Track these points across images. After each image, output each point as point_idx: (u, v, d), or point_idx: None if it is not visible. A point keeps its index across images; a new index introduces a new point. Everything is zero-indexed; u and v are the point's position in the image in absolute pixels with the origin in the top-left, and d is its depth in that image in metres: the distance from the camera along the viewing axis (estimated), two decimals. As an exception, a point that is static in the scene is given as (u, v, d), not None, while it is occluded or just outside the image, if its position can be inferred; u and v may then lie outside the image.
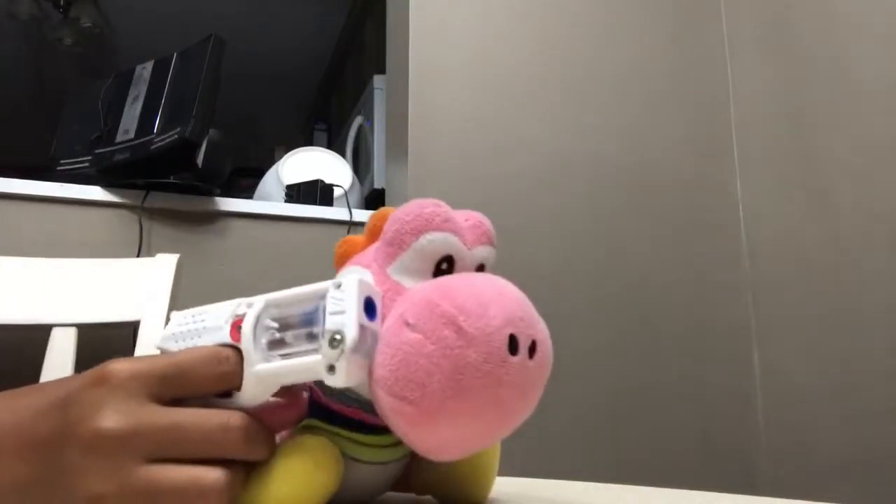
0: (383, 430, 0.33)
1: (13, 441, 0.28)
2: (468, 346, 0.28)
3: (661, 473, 1.48)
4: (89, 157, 1.35)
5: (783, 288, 1.55)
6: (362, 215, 1.46)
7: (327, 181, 1.56)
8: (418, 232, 0.32)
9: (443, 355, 0.28)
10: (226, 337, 0.31)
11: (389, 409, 0.28)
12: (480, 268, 0.35)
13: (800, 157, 1.52)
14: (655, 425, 1.51)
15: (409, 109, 1.47)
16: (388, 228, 0.33)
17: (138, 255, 1.26)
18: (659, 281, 1.58)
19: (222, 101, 1.39)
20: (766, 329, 1.59)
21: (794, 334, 1.51)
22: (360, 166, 2.03)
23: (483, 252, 0.34)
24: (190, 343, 0.32)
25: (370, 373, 0.29)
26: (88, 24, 2.84)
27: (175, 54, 1.40)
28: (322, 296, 0.29)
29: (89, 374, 0.29)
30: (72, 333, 0.78)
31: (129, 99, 1.39)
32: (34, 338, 0.80)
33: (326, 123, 3.23)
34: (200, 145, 1.33)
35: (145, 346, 0.79)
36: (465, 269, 0.33)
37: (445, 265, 0.33)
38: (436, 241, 0.32)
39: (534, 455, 1.37)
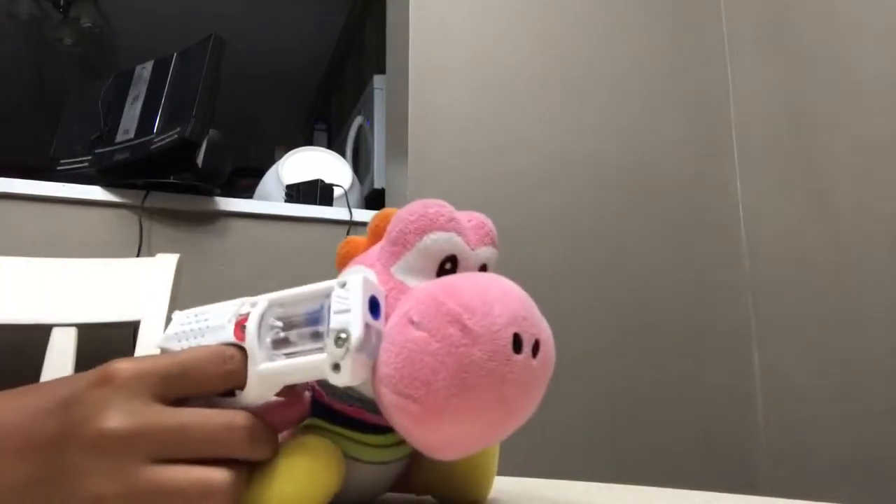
0: (385, 429, 0.33)
1: (15, 441, 0.28)
2: (473, 344, 0.28)
3: (661, 473, 1.48)
4: (89, 157, 1.35)
5: (783, 288, 1.55)
6: (362, 215, 1.46)
7: (327, 181, 1.56)
8: (422, 231, 0.32)
9: (448, 353, 0.28)
10: (229, 336, 0.30)
11: (394, 406, 0.28)
12: (483, 268, 0.35)
13: (800, 157, 1.52)
14: (656, 425, 1.51)
15: (409, 109, 1.48)
16: (393, 228, 0.33)
17: (138, 255, 1.26)
18: (659, 281, 1.59)
19: (222, 101, 1.39)
20: (766, 329, 1.59)
21: (794, 334, 1.51)
22: (360, 166, 2.03)
23: (486, 252, 0.34)
24: (193, 342, 0.32)
25: (374, 371, 0.29)
26: (88, 24, 2.84)
27: (175, 54, 1.40)
28: (327, 294, 0.29)
29: (92, 373, 0.29)
30: (72, 333, 0.78)
31: (129, 99, 1.39)
32: (34, 338, 0.80)
33: (326, 123, 3.23)
34: (200, 145, 1.33)
35: (145, 346, 0.79)
36: (469, 269, 0.34)
37: (449, 265, 0.33)
38: (440, 241, 0.32)
39: (534, 455, 1.37)
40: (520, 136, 1.54)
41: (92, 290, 0.82)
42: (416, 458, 0.37)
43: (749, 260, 1.66)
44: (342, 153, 1.93)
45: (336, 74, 3.32)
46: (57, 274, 0.83)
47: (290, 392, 0.32)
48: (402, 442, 0.34)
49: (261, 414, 0.30)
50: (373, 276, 0.32)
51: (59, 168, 1.38)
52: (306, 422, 0.34)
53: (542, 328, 0.30)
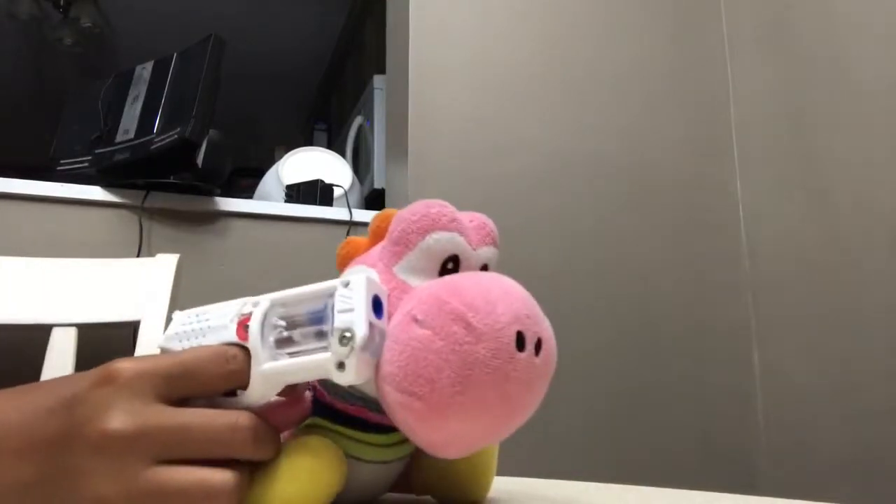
0: (386, 428, 0.33)
1: (15, 440, 0.28)
2: (477, 342, 0.28)
3: (661, 473, 1.48)
4: (89, 157, 1.35)
5: (783, 288, 1.55)
6: (362, 215, 1.46)
7: (327, 181, 1.56)
8: (425, 231, 0.32)
9: (452, 351, 0.28)
10: (232, 336, 0.30)
11: (397, 404, 0.29)
12: (484, 268, 0.35)
13: (800, 157, 1.53)
14: (655, 425, 1.51)
15: (409, 109, 1.48)
16: (395, 228, 0.33)
17: (138, 255, 1.26)
18: (659, 281, 1.59)
19: (222, 101, 1.39)
20: (766, 329, 1.59)
21: (794, 334, 1.51)
22: (360, 166, 2.03)
23: (487, 252, 0.35)
24: (194, 342, 0.32)
25: (377, 370, 0.29)
26: (88, 24, 2.84)
27: (175, 54, 1.40)
28: (330, 294, 0.30)
29: (95, 373, 0.29)
30: (72, 333, 0.78)
31: (129, 99, 1.39)
32: (34, 338, 0.80)
33: (326, 123, 3.23)
34: (200, 145, 1.33)
35: (145, 346, 0.79)
36: (470, 268, 0.34)
37: (451, 265, 0.33)
38: (442, 241, 0.32)
39: (534, 454, 1.37)
40: (520, 136, 1.54)
41: (92, 290, 0.82)
42: (416, 458, 0.37)
43: (749, 260, 1.66)
44: (342, 153, 1.93)
45: (336, 74, 3.32)
46: (57, 274, 0.83)
47: (291, 391, 0.32)
48: (403, 441, 0.34)
49: (263, 414, 0.30)
50: (375, 276, 0.32)
51: (59, 168, 1.38)
52: (308, 421, 0.34)
53: (544, 327, 0.31)
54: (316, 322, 0.30)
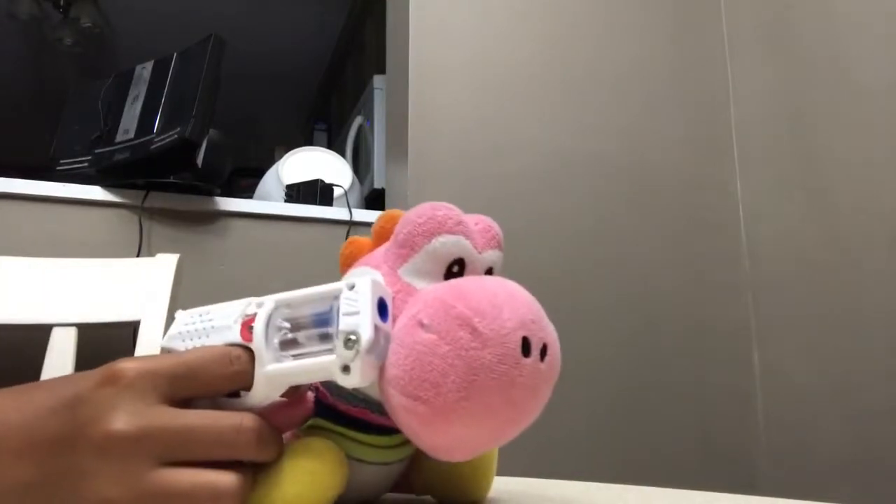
0: (388, 430, 0.33)
1: (16, 440, 0.27)
2: (483, 348, 0.28)
3: (661, 473, 1.48)
4: (89, 157, 1.35)
5: (783, 288, 1.55)
6: (362, 215, 1.46)
7: (327, 181, 1.56)
8: (431, 234, 0.32)
9: (457, 356, 0.28)
10: (236, 336, 0.30)
11: (402, 408, 0.29)
12: (489, 271, 0.35)
13: (800, 157, 1.53)
14: (656, 425, 1.51)
15: (409, 109, 1.47)
16: (401, 230, 0.33)
17: (138, 255, 1.26)
18: (659, 281, 1.59)
19: (222, 101, 1.39)
20: (766, 329, 1.59)
21: (794, 334, 1.51)
22: (360, 166, 2.03)
23: (492, 256, 0.35)
24: (197, 342, 0.32)
25: (382, 373, 0.29)
26: (88, 24, 2.84)
27: (175, 54, 1.40)
28: (335, 296, 0.29)
29: (97, 373, 0.28)
30: (72, 333, 0.78)
31: (129, 99, 1.39)
32: (34, 338, 0.79)
33: (326, 123, 3.23)
34: (200, 145, 1.33)
35: (145, 346, 0.79)
36: (476, 272, 0.34)
37: (456, 268, 0.33)
38: (448, 244, 0.32)
39: (534, 455, 1.37)
40: (520, 136, 1.54)
41: (92, 290, 0.82)
42: (416, 459, 0.37)
43: (749, 260, 1.66)
44: (342, 153, 1.93)
45: (336, 74, 3.32)
46: (57, 274, 0.83)
47: (294, 392, 0.32)
48: (404, 443, 0.34)
49: (265, 415, 0.30)
50: (380, 278, 0.32)
51: (59, 168, 1.37)
52: (309, 422, 0.34)
53: (549, 332, 0.31)
54: (321, 324, 0.30)
